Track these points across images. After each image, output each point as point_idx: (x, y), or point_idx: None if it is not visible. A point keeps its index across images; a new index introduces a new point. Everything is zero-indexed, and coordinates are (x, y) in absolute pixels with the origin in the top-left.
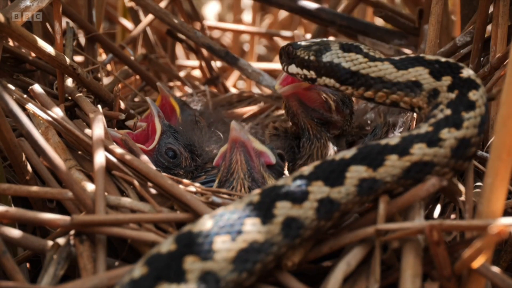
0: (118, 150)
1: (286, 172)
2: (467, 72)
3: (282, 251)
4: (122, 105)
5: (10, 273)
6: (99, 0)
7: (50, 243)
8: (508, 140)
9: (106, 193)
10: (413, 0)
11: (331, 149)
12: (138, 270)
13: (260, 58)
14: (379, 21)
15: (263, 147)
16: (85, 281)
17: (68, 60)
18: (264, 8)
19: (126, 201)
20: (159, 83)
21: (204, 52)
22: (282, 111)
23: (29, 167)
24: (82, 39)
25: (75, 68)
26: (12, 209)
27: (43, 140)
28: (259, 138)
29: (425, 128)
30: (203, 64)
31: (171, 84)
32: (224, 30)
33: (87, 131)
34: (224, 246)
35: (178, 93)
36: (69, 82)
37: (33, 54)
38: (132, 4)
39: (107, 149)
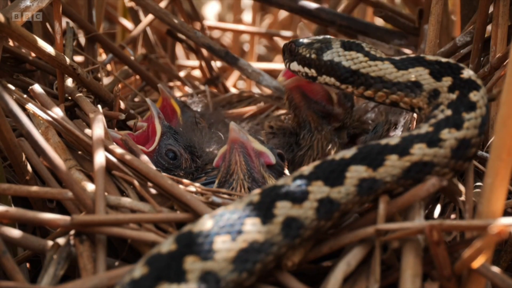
0: (118, 150)
1: (286, 171)
2: (467, 73)
3: (282, 251)
4: (122, 105)
5: (10, 273)
6: (99, 0)
7: (50, 243)
8: (508, 140)
9: (106, 193)
10: (413, 0)
11: (332, 141)
12: (138, 270)
13: (260, 58)
14: (379, 21)
15: (262, 147)
16: (85, 281)
17: (68, 60)
18: (264, 8)
19: (126, 201)
20: (160, 85)
21: (204, 52)
22: (282, 111)
23: (29, 167)
24: (82, 39)
25: (75, 68)
26: (12, 209)
27: (43, 140)
28: (259, 139)
29: (425, 128)
30: (203, 64)
31: (171, 84)
32: (224, 30)
33: (87, 131)
34: (224, 246)
35: (178, 93)
36: (69, 82)
37: (33, 54)
38: (132, 4)
39: (107, 149)
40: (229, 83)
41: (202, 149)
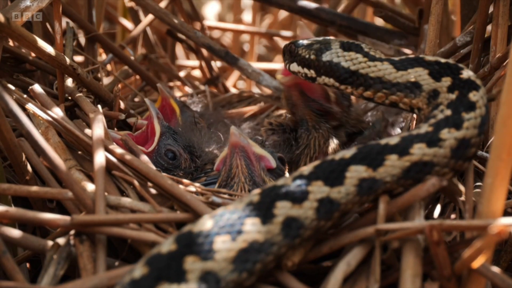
0: (118, 150)
1: (287, 175)
2: (467, 73)
3: (282, 251)
4: (122, 105)
5: (10, 273)
6: (99, 0)
7: (50, 243)
8: (508, 140)
9: (106, 193)
10: (413, 0)
11: (331, 140)
12: (138, 270)
13: (260, 58)
14: (379, 21)
15: (263, 151)
16: (85, 281)
17: (68, 60)
18: (264, 8)
19: (126, 201)
20: (160, 84)
21: (204, 52)
22: (282, 111)
23: (29, 167)
24: (82, 39)
25: (75, 68)
26: (12, 209)
27: (43, 140)
28: (259, 142)
29: (425, 128)
30: (203, 64)
31: (171, 84)
32: (224, 30)
33: (87, 131)
34: (224, 246)
35: (178, 93)
36: (69, 82)
37: (33, 54)
38: (132, 4)
39: (107, 149)
40: (229, 83)
41: (201, 149)
